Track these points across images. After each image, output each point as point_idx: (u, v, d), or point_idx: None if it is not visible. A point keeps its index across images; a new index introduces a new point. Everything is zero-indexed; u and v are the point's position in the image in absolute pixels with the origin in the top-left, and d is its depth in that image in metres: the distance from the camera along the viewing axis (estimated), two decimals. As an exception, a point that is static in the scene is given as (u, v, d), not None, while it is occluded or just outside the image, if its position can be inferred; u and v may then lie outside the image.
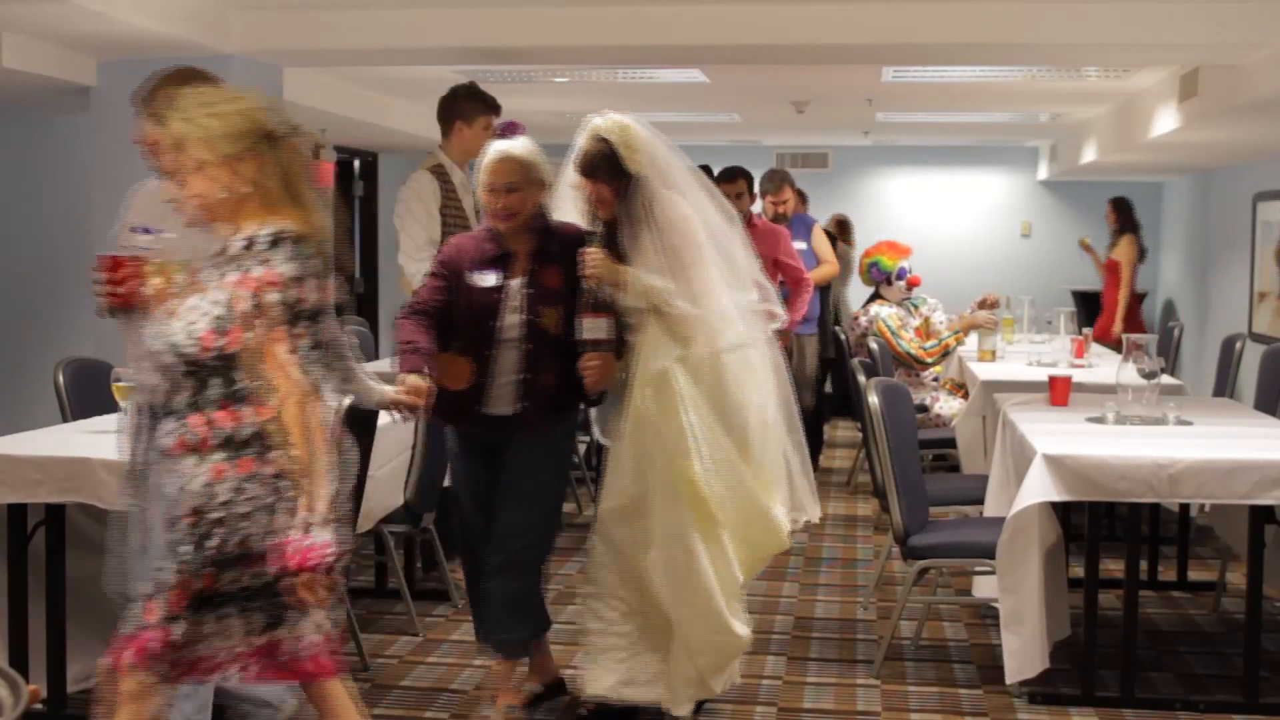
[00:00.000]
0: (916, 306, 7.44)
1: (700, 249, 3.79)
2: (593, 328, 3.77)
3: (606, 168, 3.80)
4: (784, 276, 6.68)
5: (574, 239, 3.86)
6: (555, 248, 3.85)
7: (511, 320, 3.79)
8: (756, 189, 7.31)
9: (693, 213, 3.84)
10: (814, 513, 4.09)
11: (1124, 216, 10.14)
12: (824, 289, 8.13)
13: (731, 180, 6.55)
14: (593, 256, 3.75)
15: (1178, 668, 4.55)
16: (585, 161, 3.83)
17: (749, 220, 6.55)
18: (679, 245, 3.76)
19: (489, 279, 3.82)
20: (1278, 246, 8.30)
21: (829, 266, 7.81)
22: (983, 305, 7.45)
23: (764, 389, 3.89)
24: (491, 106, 5.38)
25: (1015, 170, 12.45)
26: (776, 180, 7.61)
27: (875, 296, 7.43)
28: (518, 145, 3.83)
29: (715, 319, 3.77)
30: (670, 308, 3.74)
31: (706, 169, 5.84)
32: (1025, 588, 4.07)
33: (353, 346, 3.54)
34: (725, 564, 3.79)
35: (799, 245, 7.36)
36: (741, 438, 3.80)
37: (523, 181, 3.78)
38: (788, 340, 6.36)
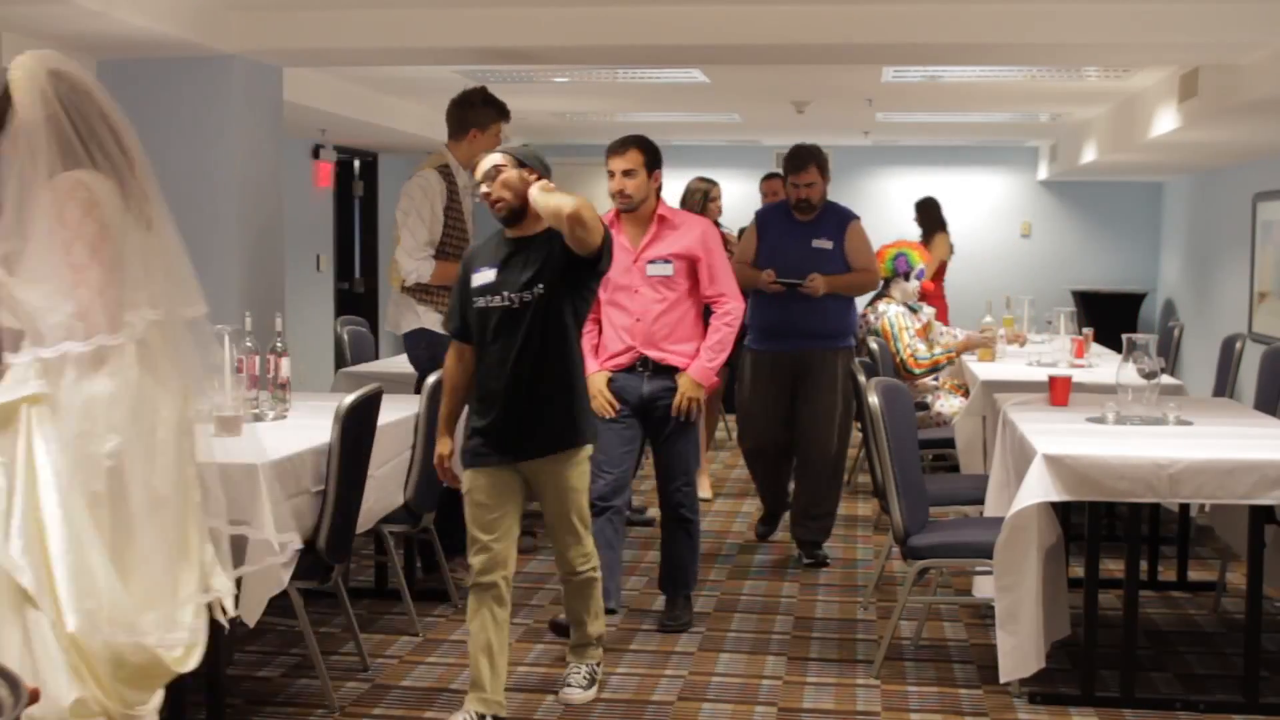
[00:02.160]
0: (916, 310, 7.44)
1: (79, 238, 2.84)
2: None
3: None
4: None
5: None
6: None
7: None
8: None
9: (86, 181, 2.90)
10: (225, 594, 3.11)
11: (931, 217, 10.07)
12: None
13: (620, 152, 4.81)
14: None
15: (1178, 668, 4.55)
16: None
17: (654, 210, 4.91)
18: (49, 229, 2.84)
19: None
20: None
21: (863, 275, 6.05)
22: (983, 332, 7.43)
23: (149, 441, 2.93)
24: (504, 113, 5.48)
25: (1015, 170, 12.45)
26: (801, 157, 5.97)
27: (879, 296, 7.40)
28: None
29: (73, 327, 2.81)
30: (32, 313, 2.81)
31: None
32: (1022, 587, 4.07)
33: None
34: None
35: (823, 244, 5.97)
36: (109, 507, 2.84)
37: None
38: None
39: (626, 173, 4.81)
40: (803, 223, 6.03)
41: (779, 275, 5.93)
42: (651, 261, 4.88)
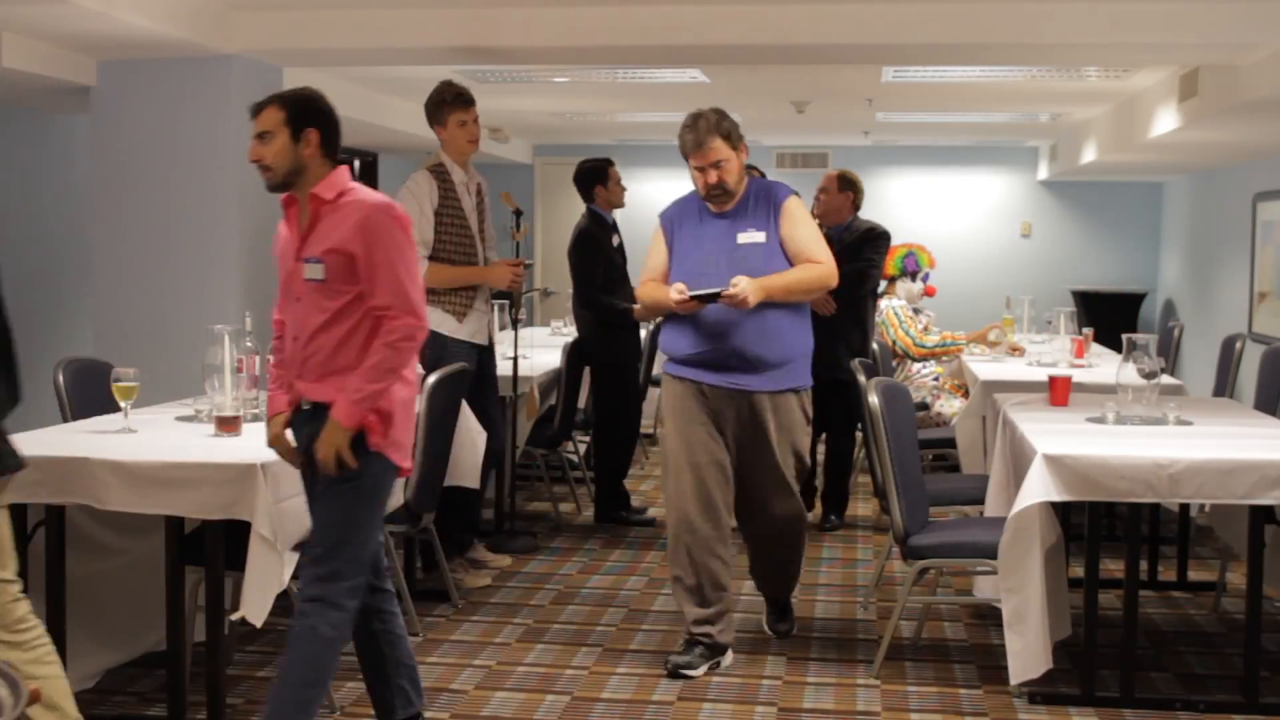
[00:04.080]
0: (919, 311, 7.44)
1: None
2: None
3: None
4: None
5: None
6: None
7: None
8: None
9: None
10: None
11: None
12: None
13: (253, 114, 3.46)
14: None
15: (1178, 668, 4.55)
16: None
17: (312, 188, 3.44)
18: None
19: None
20: None
21: (811, 270, 4.31)
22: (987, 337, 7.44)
23: None
24: (453, 101, 5.43)
25: (1015, 170, 12.45)
26: (699, 130, 4.26)
27: (882, 293, 7.39)
28: None
29: None
30: None
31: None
32: (1028, 588, 4.06)
33: None
34: None
35: (753, 238, 4.31)
36: None
37: None
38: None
39: (261, 136, 3.40)
40: (721, 215, 4.40)
41: (692, 288, 4.24)
42: (306, 260, 3.45)
